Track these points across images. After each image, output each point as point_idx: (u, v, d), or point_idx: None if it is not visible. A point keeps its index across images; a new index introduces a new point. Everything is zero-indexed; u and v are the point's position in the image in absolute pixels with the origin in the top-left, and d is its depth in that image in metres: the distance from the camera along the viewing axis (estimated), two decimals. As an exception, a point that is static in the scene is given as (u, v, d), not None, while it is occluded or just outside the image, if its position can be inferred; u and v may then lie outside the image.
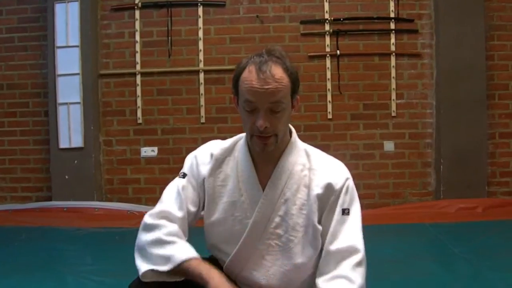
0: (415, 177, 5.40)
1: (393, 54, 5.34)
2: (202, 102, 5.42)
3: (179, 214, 1.67)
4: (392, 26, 5.35)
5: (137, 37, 5.46)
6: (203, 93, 5.40)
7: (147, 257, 1.61)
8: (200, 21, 5.43)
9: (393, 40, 5.35)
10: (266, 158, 1.67)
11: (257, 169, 1.68)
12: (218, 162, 1.73)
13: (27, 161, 5.64)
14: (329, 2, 5.36)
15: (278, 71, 1.55)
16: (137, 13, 5.46)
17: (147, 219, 1.68)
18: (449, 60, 5.19)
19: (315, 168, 1.68)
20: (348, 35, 5.38)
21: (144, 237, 1.65)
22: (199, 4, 5.43)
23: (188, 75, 5.47)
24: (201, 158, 1.75)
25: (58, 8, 5.31)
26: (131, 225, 4.59)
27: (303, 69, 5.37)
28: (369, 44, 5.39)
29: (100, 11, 5.51)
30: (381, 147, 5.40)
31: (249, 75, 1.56)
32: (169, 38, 5.43)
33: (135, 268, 1.64)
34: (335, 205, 1.63)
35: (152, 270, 1.58)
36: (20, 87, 5.62)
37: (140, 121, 5.48)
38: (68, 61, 5.31)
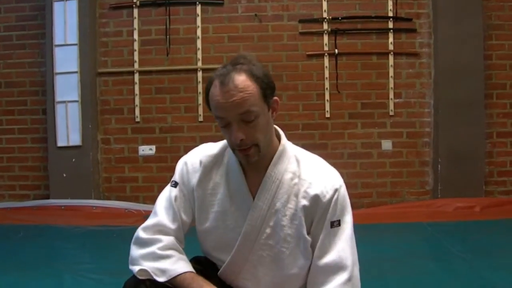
0: (413, 176, 5.41)
1: (391, 53, 5.34)
2: (200, 100, 5.42)
3: (173, 226, 1.67)
4: (390, 25, 5.36)
5: (136, 36, 5.46)
6: (201, 91, 5.40)
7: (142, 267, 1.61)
8: (198, 19, 5.43)
9: (391, 39, 5.36)
10: (255, 166, 1.62)
11: (246, 177, 1.64)
12: (207, 170, 1.69)
13: (25, 159, 5.63)
14: (327, 1, 5.35)
15: (241, 80, 1.50)
16: (135, 11, 5.46)
17: (141, 233, 1.67)
18: (447, 59, 5.19)
19: (303, 178, 1.62)
20: (346, 34, 5.38)
21: (138, 252, 1.64)
22: (197, 2, 5.42)
23: (186, 73, 5.47)
24: (191, 165, 1.71)
25: (57, 6, 5.30)
26: (129, 224, 4.60)
27: (301, 68, 5.38)
28: (367, 43, 5.39)
29: (99, 9, 5.50)
30: (379, 146, 5.40)
31: (214, 90, 1.52)
32: (167, 36, 5.43)
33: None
34: (323, 218, 1.58)
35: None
36: (18, 85, 5.61)
37: (138, 119, 5.48)
38: (66, 59, 5.30)
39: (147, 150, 5.50)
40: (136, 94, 5.46)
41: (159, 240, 1.63)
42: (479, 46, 5.20)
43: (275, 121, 1.66)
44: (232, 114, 1.51)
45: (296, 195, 1.61)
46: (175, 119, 5.48)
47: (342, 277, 1.55)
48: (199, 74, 5.43)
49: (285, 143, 1.67)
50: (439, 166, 5.23)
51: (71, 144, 5.34)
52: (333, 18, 5.35)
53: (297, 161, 1.65)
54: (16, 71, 5.61)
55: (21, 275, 3.30)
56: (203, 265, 1.72)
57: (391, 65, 5.35)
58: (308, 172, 1.63)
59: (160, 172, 5.45)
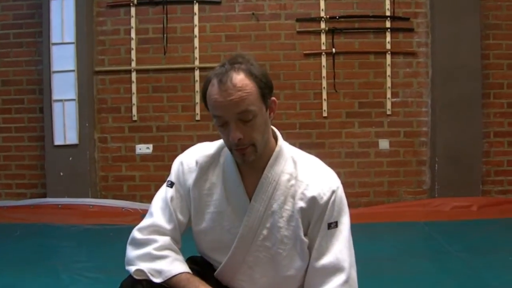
0: (410, 176, 5.41)
1: (389, 52, 5.34)
2: (197, 99, 5.41)
3: (169, 226, 1.65)
4: (388, 24, 5.36)
5: (133, 34, 5.45)
6: (198, 90, 5.39)
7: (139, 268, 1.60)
8: (196, 18, 5.43)
9: (388, 39, 5.36)
10: (251, 167, 1.61)
11: (243, 177, 1.63)
12: (203, 170, 1.68)
13: (21, 158, 5.62)
14: (325, 0, 5.35)
15: (239, 79, 1.49)
16: (132, 10, 5.45)
17: (137, 234, 1.66)
18: (445, 58, 5.19)
19: (300, 179, 1.61)
20: (344, 33, 5.38)
21: (134, 252, 1.63)
22: (194, 1, 5.41)
23: (183, 72, 5.46)
24: (187, 165, 1.70)
25: (54, 4, 5.29)
26: (126, 222, 4.60)
27: (298, 67, 5.38)
28: (364, 42, 5.39)
29: (96, 8, 5.49)
30: (376, 145, 5.40)
31: (212, 89, 1.51)
32: (165, 35, 5.42)
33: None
34: (320, 220, 1.57)
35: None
36: (15, 83, 5.60)
37: (135, 118, 5.47)
38: (63, 58, 5.29)
39: (144, 148, 5.50)
40: (133, 93, 5.46)
41: (154, 241, 1.62)
42: (476, 45, 5.21)
43: (272, 121, 1.65)
44: (230, 113, 1.50)
45: (293, 197, 1.60)
46: (172, 118, 5.48)
47: (339, 279, 1.55)
48: (196, 73, 5.42)
49: (282, 144, 1.66)
50: (436, 165, 5.24)
51: (68, 142, 5.33)
52: (331, 17, 5.35)
53: (294, 162, 1.64)
54: (13, 69, 5.60)
55: (17, 273, 3.29)
56: (200, 265, 1.71)
57: (389, 64, 5.35)
58: (305, 173, 1.62)
59: (157, 171, 5.44)
